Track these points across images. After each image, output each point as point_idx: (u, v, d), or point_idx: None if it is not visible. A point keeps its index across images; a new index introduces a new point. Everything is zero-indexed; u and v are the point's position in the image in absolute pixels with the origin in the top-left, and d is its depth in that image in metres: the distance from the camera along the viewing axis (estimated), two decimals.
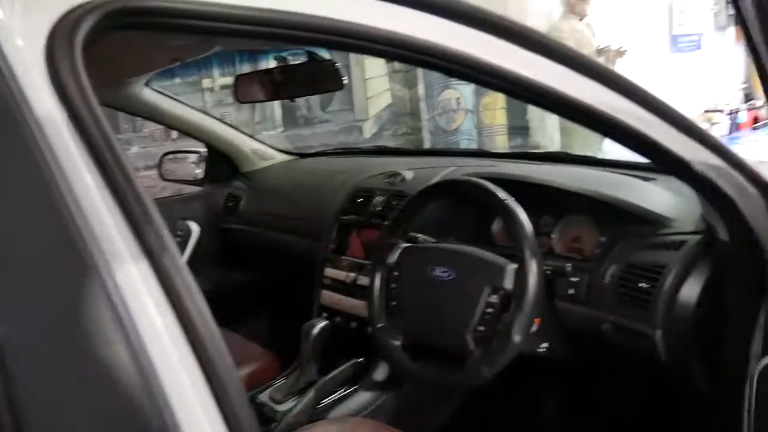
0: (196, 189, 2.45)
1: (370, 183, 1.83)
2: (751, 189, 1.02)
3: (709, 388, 1.19)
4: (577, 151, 3.64)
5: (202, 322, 0.47)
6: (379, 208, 1.72)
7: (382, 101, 4.70)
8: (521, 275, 1.16)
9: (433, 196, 1.38)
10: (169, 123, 2.12)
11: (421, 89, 4.68)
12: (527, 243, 1.17)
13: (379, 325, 1.35)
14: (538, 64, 0.79)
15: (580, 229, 1.39)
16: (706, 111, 7.64)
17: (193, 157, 2.42)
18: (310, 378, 1.58)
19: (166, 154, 2.46)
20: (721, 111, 7.75)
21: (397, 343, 1.32)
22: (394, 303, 1.35)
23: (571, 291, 1.27)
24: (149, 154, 3.44)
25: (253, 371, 1.73)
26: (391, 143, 4.57)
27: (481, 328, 1.20)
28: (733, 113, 7.92)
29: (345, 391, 1.57)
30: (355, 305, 1.65)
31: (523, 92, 0.81)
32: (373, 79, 4.61)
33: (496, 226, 1.53)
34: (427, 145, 4.65)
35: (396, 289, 1.35)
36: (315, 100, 4.33)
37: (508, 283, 1.18)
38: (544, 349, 1.31)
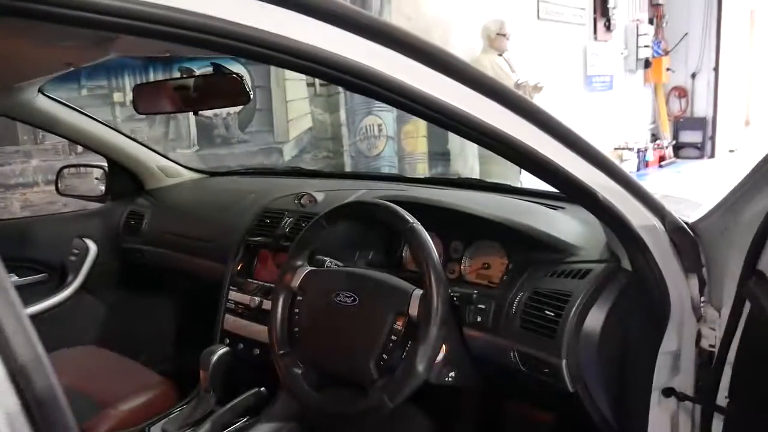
0: (96, 206, 2.31)
1: (280, 204, 1.76)
2: (656, 222, 1.03)
3: (613, 417, 1.18)
4: (496, 179, 3.71)
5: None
6: (288, 230, 1.65)
7: (302, 124, 4.63)
8: (426, 302, 1.12)
9: (339, 218, 1.32)
10: (66, 134, 1.98)
11: (342, 114, 4.65)
12: (432, 268, 1.13)
13: (281, 352, 1.28)
14: (457, 90, 0.78)
15: (490, 255, 1.37)
16: (616, 148, 8.00)
17: (97, 173, 2.29)
18: (208, 408, 1.49)
19: (65, 167, 2.32)
20: (630, 149, 8.14)
21: (299, 371, 1.25)
22: (296, 329, 1.28)
23: (478, 318, 1.25)
24: (51, 169, 3.23)
25: (148, 400, 1.62)
26: (311, 167, 4.52)
27: (385, 356, 1.14)
28: (641, 151, 8.33)
29: (245, 422, 1.48)
30: (260, 331, 1.57)
31: (445, 120, 0.79)
32: (294, 102, 4.54)
33: (406, 250, 1.50)
34: (348, 170, 4.62)
35: (299, 314, 1.28)
36: (233, 119, 4.22)
37: (413, 310, 1.13)
38: (452, 379, 1.27)
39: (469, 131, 0.81)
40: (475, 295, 1.23)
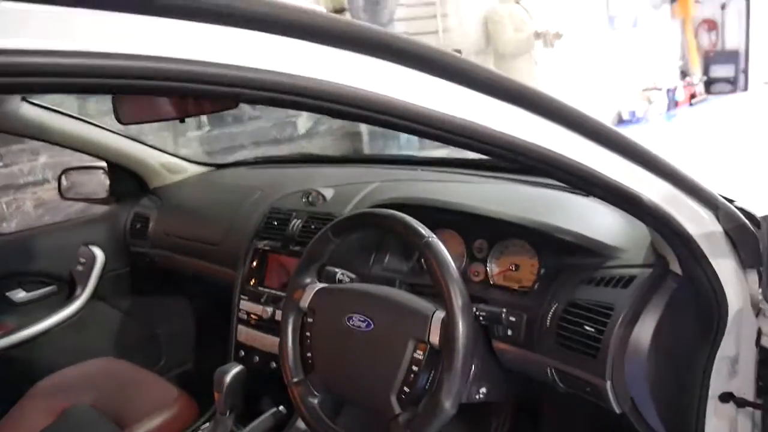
0: (102, 209, 2.21)
1: (287, 203, 1.63)
2: (707, 215, 0.89)
3: (665, 431, 1.05)
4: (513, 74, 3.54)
5: None
6: (297, 233, 1.53)
7: None
8: (449, 328, 0.98)
9: (346, 230, 1.19)
10: (57, 141, 1.84)
11: None
12: (453, 289, 0.98)
13: (294, 380, 1.16)
14: (470, 97, 0.64)
15: (518, 255, 1.22)
16: (645, 90, 7.68)
17: (102, 171, 2.18)
18: (226, 430, 1.40)
19: (66, 170, 2.21)
20: (659, 89, 7.81)
21: (314, 401, 1.14)
22: (309, 354, 1.16)
23: (509, 332, 1.11)
24: (60, 164, 3.12)
25: (167, 420, 1.55)
26: (328, 140, 4.37)
27: (406, 388, 1.02)
28: (670, 91, 8.00)
29: None
30: (274, 343, 1.47)
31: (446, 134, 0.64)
32: None
33: None
34: (365, 143, 4.45)
35: (311, 337, 1.16)
36: None
37: (434, 337, 1.00)
38: (483, 395, 1.15)
39: (466, 140, 0.66)
40: (503, 314, 1.09)
